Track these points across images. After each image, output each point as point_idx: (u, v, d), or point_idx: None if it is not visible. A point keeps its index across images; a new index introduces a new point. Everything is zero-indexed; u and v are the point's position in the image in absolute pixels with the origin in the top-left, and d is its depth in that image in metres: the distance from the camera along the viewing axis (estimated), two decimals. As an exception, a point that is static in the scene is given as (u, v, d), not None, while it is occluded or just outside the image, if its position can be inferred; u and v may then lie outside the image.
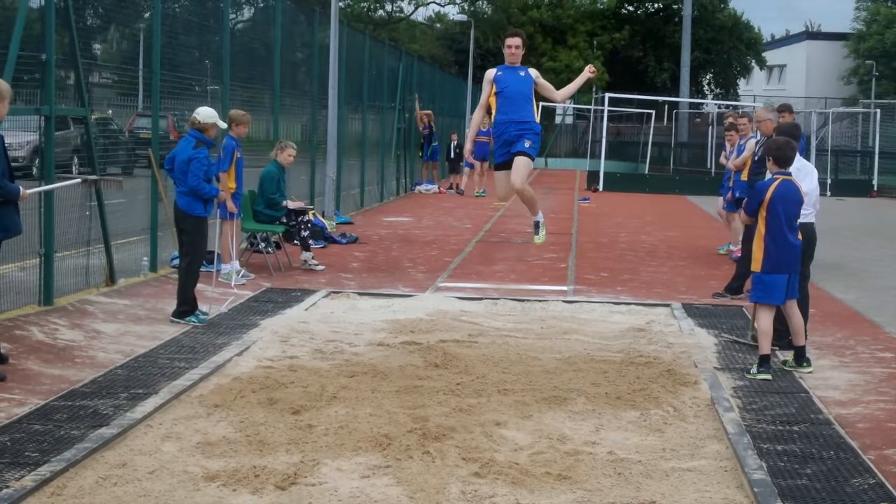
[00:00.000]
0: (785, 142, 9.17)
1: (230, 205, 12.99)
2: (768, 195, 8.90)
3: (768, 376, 8.90)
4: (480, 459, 6.42)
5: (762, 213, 8.94)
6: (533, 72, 11.21)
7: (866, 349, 10.20)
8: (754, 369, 8.97)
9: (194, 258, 10.70)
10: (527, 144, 11.02)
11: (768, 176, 9.46)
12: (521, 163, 11.01)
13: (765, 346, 9.01)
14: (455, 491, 5.93)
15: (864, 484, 6.27)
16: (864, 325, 11.50)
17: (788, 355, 9.31)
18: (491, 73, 11.31)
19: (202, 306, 10.80)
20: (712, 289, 13.45)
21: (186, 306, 10.53)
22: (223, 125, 11.15)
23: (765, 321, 9.06)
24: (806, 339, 9.42)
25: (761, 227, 8.97)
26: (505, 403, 7.69)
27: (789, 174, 9.04)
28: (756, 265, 9.04)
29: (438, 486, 5.98)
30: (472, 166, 30.57)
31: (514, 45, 11.14)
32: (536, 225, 11.55)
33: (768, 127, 12.99)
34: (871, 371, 9.30)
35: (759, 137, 13.75)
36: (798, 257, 9.11)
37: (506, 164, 11.17)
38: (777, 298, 9.04)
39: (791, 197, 8.97)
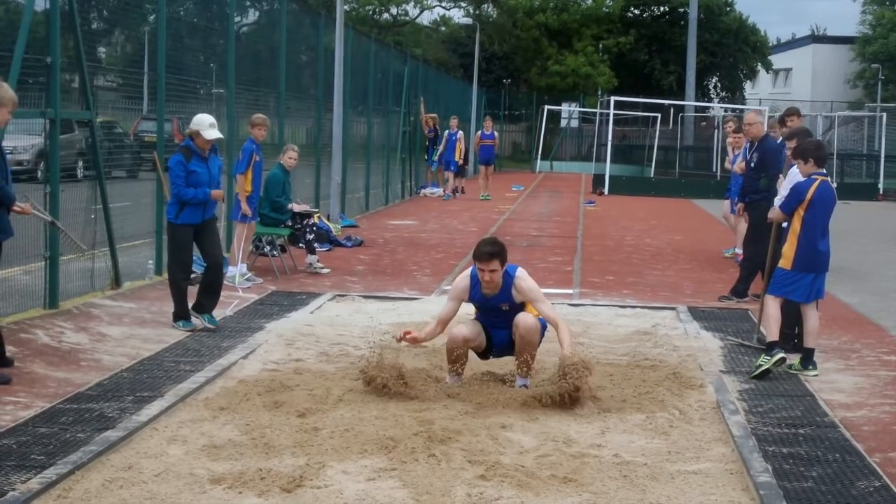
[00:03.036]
0: (819, 142, 9.39)
1: (245, 207, 13.04)
2: (809, 195, 8.99)
3: (783, 355, 8.95)
4: (486, 462, 6.42)
5: (799, 213, 9.02)
6: (519, 293, 8.09)
7: (872, 352, 10.19)
8: (764, 358, 8.97)
9: (170, 267, 10.55)
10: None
11: (787, 177, 9.56)
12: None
13: (774, 332, 9.07)
14: (461, 493, 5.93)
15: (870, 487, 6.26)
16: (870, 328, 11.49)
17: (794, 359, 9.30)
18: (462, 286, 8.25)
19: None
20: (718, 292, 13.43)
21: (175, 310, 10.49)
22: (213, 135, 10.35)
23: (773, 309, 9.19)
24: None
25: (796, 226, 9.05)
26: (510, 406, 7.68)
27: (826, 175, 9.16)
28: (786, 262, 9.10)
29: (444, 489, 5.98)
30: (456, 169, 30.84)
31: (487, 270, 7.93)
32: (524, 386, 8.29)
33: (758, 130, 12.99)
34: (876, 374, 9.29)
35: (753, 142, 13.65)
36: (828, 257, 9.19)
37: (477, 325, 8.39)
38: (798, 296, 9.12)
39: (830, 198, 9.13)
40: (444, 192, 30.70)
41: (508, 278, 8.07)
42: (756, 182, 12.91)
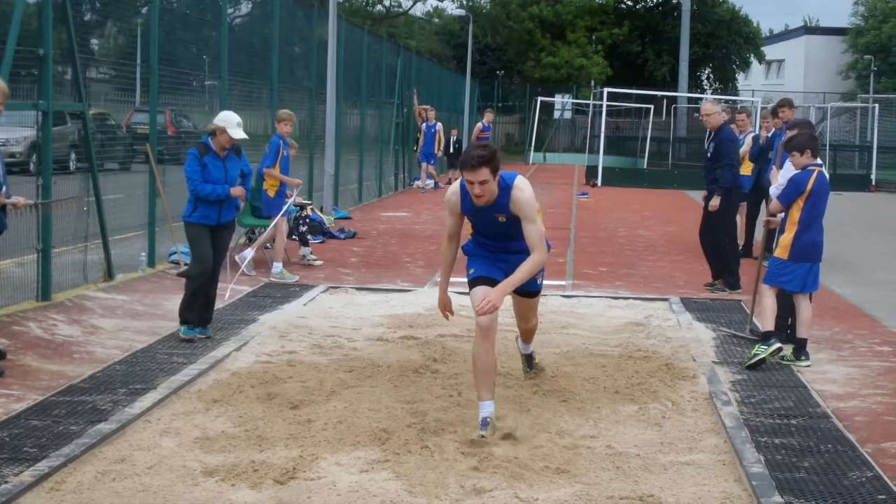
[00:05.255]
0: (812, 133, 9.53)
1: (290, 180, 13.65)
2: (810, 186, 9.09)
3: (780, 344, 9.00)
4: (479, 454, 6.42)
5: (799, 203, 9.08)
6: (514, 205, 6.92)
7: (864, 343, 10.20)
8: (760, 347, 9.01)
9: (190, 266, 10.04)
10: (538, 280, 7.54)
11: (786, 168, 9.63)
12: (533, 303, 7.86)
13: (769, 322, 9.13)
14: (454, 485, 5.93)
15: (862, 477, 6.27)
16: (862, 318, 11.51)
17: (787, 349, 9.33)
18: (454, 199, 7.13)
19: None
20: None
21: (180, 310, 9.89)
22: (239, 135, 9.71)
23: (769, 299, 9.24)
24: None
25: (795, 217, 9.11)
26: (503, 398, 7.67)
27: (821, 165, 9.25)
28: (783, 252, 9.17)
29: (437, 481, 5.98)
30: (435, 162, 31.05)
31: (476, 182, 6.74)
32: (530, 358, 8.37)
33: (716, 120, 12.93)
34: (868, 365, 9.31)
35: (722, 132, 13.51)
36: (822, 247, 9.26)
37: (488, 281, 7.29)
38: (793, 286, 9.19)
39: (827, 187, 9.23)
40: (433, 183, 30.63)
41: (506, 187, 6.88)
42: (713, 172, 12.93)
